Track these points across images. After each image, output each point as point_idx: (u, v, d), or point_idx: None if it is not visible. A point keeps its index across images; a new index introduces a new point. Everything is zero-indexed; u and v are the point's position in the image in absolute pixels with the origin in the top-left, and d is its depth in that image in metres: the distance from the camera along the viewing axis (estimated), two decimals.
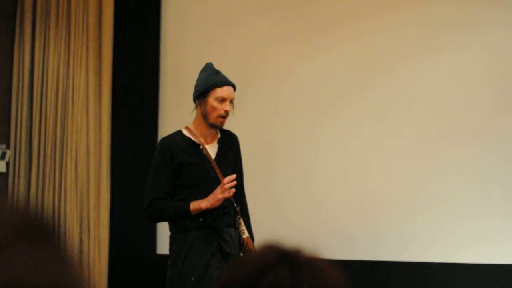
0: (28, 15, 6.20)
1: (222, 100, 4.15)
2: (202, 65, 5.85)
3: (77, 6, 6.20)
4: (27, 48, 6.20)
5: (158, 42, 6.21)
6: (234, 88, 4.24)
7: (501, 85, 5.75)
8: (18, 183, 6.15)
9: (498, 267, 5.61)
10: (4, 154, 6.13)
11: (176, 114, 5.96)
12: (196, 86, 4.26)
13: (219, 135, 4.29)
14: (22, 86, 6.19)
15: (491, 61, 5.75)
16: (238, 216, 4.22)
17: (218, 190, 4.07)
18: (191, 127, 4.26)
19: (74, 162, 6.14)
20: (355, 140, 5.91)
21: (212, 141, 4.26)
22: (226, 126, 4.31)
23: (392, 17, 5.91)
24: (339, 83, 5.96)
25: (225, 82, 4.20)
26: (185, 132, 4.25)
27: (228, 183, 4.06)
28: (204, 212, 4.10)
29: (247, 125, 5.90)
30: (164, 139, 4.30)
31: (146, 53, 6.20)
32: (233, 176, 4.09)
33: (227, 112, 4.15)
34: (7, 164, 6.16)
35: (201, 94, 4.18)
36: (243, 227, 4.23)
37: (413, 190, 5.79)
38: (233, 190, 4.10)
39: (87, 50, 6.19)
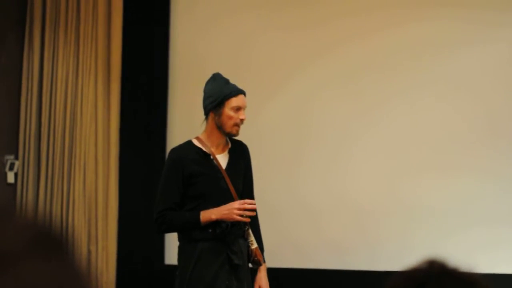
0: (37, 25, 6.21)
1: (238, 109, 4.18)
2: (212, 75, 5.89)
3: (86, 16, 6.21)
4: (36, 58, 6.20)
5: (167, 52, 6.21)
6: (245, 95, 4.28)
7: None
8: (27, 194, 6.15)
9: (493, 277, 5.59)
10: (12, 164, 6.13)
11: (185, 124, 5.95)
12: (208, 97, 4.24)
13: (229, 145, 4.29)
14: (31, 96, 6.20)
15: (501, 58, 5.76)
16: (247, 227, 4.20)
17: (234, 210, 4.07)
18: (202, 137, 4.26)
19: (82, 173, 6.14)
20: (352, 148, 5.91)
21: (222, 151, 4.26)
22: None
23: (397, 16, 5.92)
24: (333, 92, 5.96)
25: (239, 91, 4.23)
26: (195, 142, 4.25)
27: (249, 205, 4.09)
28: (214, 223, 4.09)
29: (255, 130, 5.90)
30: (174, 149, 4.29)
31: (155, 63, 6.20)
32: (254, 202, 4.14)
33: (242, 121, 4.20)
34: (16, 174, 6.16)
35: (216, 105, 4.19)
36: (252, 237, 4.22)
37: (410, 199, 5.79)
38: (248, 217, 4.12)
39: (96, 60, 6.20)
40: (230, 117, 4.17)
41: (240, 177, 4.27)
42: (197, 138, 4.27)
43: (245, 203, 4.08)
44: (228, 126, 4.18)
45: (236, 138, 4.34)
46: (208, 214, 4.08)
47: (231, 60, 6.05)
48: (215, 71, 5.93)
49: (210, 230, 4.10)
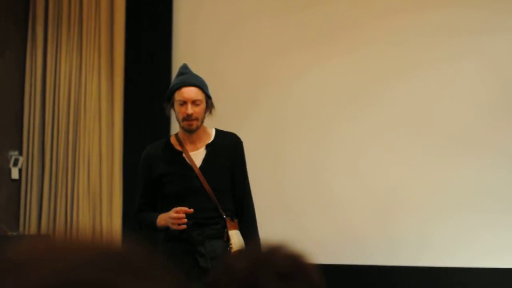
0: (40, 21, 6.19)
1: (183, 102, 3.89)
2: (214, 69, 5.87)
3: (88, 12, 6.19)
4: (39, 54, 6.19)
5: (170, 47, 6.19)
6: (201, 87, 3.93)
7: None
8: (31, 190, 6.14)
9: None
10: (16, 160, 6.12)
11: None
12: None
13: (211, 139, 4.01)
14: (34, 92, 6.19)
15: (492, 67, 5.75)
16: (226, 229, 3.92)
17: (169, 219, 3.83)
18: (179, 133, 4.05)
19: (86, 168, 6.13)
20: (368, 144, 5.88)
21: (199, 147, 3.99)
22: (236, 129, 4.19)
23: (402, 23, 5.90)
24: (352, 87, 5.91)
25: (183, 83, 3.92)
26: (172, 139, 4.05)
27: (177, 214, 3.81)
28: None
29: (259, 128, 5.90)
30: (147, 148, 4.08)
31: (158, 58, 6.19)
32: (185, 210, 3.82)
33: (189, 115, 3.88)
34: (20, 170, 6.15)
35: (168, 101, 3.95)
36: (232, 240, 3.92)
37: (429, 193, 5.76)
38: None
39: (99, 55, 6.18)
40: (178, 112, 3.91)
41: (220, 173, 3.97)
42: (175, 135, 4.07)
43: (177, 211, 3.81)
44: (180, 121, 3.93)
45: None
46: (160, 220, 3.89)
47: (232, 55, 6.04)
48: (218, 66, 5.91)
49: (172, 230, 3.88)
